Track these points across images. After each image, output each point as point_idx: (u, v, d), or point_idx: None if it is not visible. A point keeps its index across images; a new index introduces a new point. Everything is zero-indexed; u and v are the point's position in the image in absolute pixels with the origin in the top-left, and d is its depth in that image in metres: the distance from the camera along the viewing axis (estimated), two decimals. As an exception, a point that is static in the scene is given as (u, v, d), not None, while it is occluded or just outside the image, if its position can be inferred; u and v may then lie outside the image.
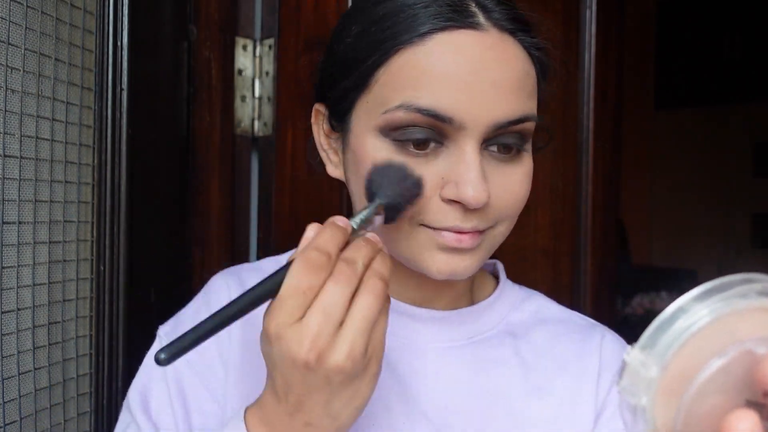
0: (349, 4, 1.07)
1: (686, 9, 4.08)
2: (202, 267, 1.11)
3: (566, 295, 1.29)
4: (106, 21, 0.90)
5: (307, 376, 0.47)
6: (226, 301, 0.48)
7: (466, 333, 0.69)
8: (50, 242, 0.84)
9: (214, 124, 1.12)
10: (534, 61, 0.61)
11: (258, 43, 1.17)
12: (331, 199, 1.11)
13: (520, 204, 0.62)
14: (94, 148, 0.91)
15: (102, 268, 0.92)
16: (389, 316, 0.67)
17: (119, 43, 0.92)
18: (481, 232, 0.60)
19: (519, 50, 0.59)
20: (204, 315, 0.47)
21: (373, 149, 0.59)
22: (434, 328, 0.68)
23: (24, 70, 0.78)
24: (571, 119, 1.28)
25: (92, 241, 0.92)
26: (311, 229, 0.51)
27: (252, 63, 1.17)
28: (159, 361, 0.45)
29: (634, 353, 0.36)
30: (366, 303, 0.48)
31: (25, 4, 0.78)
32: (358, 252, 0.49)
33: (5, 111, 0.76)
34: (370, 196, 0.56)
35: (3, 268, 0.77)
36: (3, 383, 0.76)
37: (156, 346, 0.69)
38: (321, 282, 0.47)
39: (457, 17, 0.57)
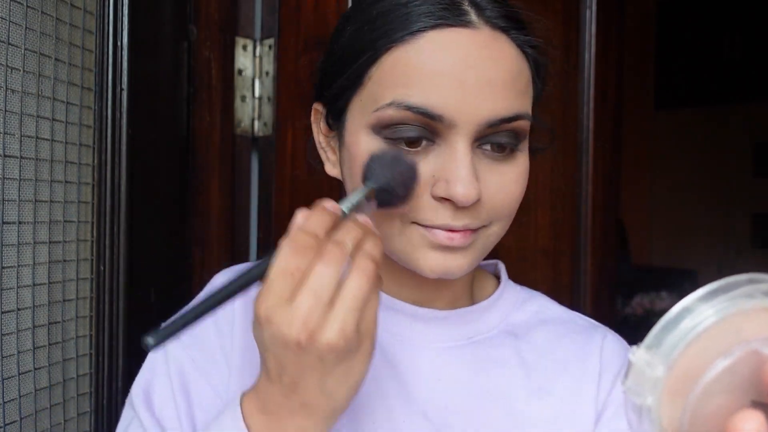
0: (349, 4, 1.07)
1: (686, 9, 4.08)
2: (202, 267, 1.10)
3: (566, 295, 1.29)
4: (106, 21, 0.90)
5: (299, 356, 0.47)
6: None
7: (466, 333, 0.68)
8: (50, 242, 0.84)
9: (214, 124, 1.12)
10: (528, 59, 0.61)
11: (258, 43, 1.16)
12: (331, 199, 1.11)
13: (515, 204, 0.62)
14: (94, 148, 0.91)
15: (102, 268, 0.92)
16: (390, 316, 0.67)
17: (119, 43, 0.92)
18: (473, 230, 0.59)
19: (512, 48, 0.59)
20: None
21: (366, 147, 0.59)
22: (435, 328, 0.68)
23: (24, 70, 0.78)
24: (571, 119, 1.28)
25: (92, 241, 0.92)
26: (300, 214, 0.51)
27: (252, 63, 1.16)
28: (147, 346, 0.45)
29: (639, 353, 0.36)
30: (356, 282, 0.47)
31: (25, 4, 0.78)
32: (348, 233, 0.49)
33: (5, 111, 0.76)
34: (364, 182, 0.56)
35: (3, 268, 0.76)
36: (3, 383, 0.76)
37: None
38: (308, 263, 0.47)
39: (449, 15, 0.57)
